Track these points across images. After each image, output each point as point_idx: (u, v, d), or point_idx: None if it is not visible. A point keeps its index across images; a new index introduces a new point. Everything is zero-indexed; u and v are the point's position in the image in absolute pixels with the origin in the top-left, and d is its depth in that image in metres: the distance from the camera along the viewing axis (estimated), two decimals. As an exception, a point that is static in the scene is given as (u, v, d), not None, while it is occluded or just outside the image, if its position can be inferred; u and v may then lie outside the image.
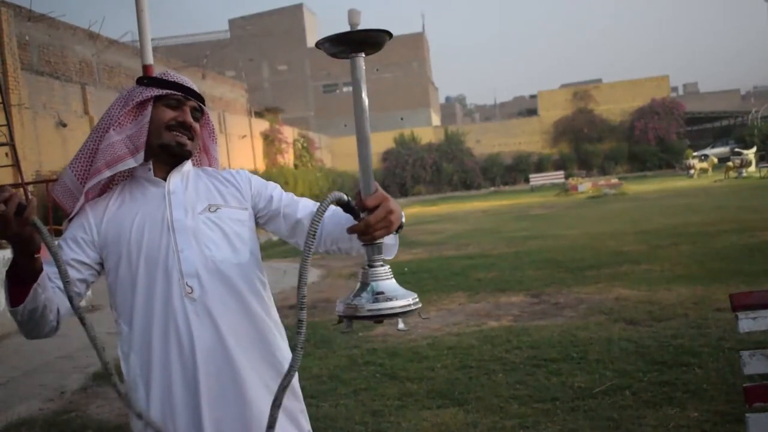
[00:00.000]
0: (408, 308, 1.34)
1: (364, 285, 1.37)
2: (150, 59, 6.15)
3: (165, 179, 1.71)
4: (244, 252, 1.67)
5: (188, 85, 1.73)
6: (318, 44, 1.38)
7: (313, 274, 10.91)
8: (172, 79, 1.70)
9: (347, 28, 1.36)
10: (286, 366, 1.45)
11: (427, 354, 5.39)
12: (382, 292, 1.34)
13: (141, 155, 1.66)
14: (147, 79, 1.71)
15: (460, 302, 7.47)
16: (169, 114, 1.68)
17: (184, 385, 1.59)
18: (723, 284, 6.86)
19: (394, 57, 48.86)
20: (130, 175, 1.75)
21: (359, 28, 1.32)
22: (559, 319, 6.27)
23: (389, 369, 5.05)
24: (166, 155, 1.70)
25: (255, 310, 1.69)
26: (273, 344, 1.73)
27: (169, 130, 1.68)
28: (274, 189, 1.78)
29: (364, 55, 1.36)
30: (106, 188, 1.74)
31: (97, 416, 4.69)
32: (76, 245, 1.66)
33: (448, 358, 5.22)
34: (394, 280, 1.38)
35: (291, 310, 7.97)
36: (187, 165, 1.76)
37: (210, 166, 1.87)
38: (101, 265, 1.68)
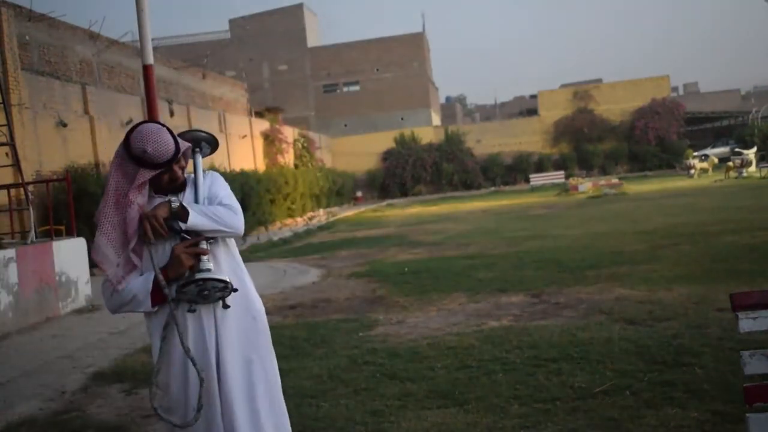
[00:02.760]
0: (212, 278, 2.28)
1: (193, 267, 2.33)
2: (150, 59, 6.16)
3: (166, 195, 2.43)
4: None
5: (169, 157, 2.29)
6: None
7: (313, 274, 10.92)
8: (156, 159, 2.27)
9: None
10: (250, 297, 2.50)
11: (427, 354, 5.39)
12: (202, 271, 2.31)
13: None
14: (139, 160, 2.28)
15: (460, 302, 7.47)
16: (164, 179, 2.36)
17: (197, 328, 2.37)
18: (723, 284, 6.86)
19: (394, 57, 48.86)
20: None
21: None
22: (559, 319, 6.27)
23: (389, 369, 5.05)
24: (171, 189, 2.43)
25: (235, 257, 2.51)
26: (246, 292, 2.49)
27: (171, 185, 2.39)
28: (221, 192, 2.48)
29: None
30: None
31: (97, 416, 4.69)
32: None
33: (448, 358, 5.22)
34: (212, 264, 2.34)
35: (291, 310, 7.98)
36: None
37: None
38: None
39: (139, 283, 2.34)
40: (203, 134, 2.49)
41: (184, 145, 2.38)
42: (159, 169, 2.30)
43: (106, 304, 2.44)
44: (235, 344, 2.40)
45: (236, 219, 2.42)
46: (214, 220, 2.36)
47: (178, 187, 2.43)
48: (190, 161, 2.54)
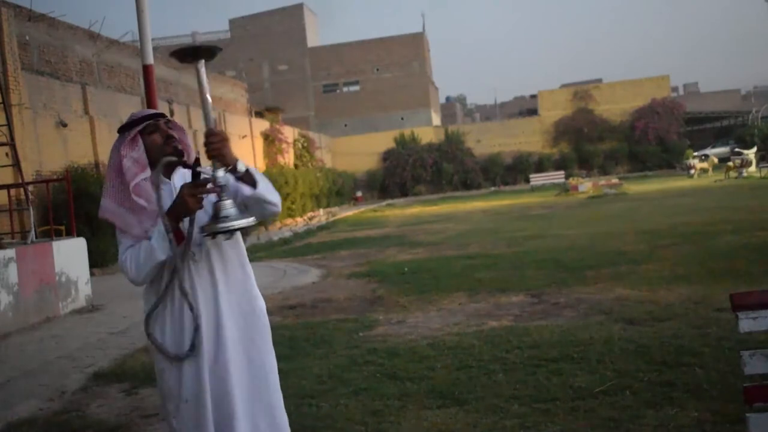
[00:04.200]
0: (244, 226, 2.25)
1: (216, 213, 2.24)
2: (150, 59, 6.16)
3: (170, 179, 2.42)
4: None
5: (153, 112, 2.45)
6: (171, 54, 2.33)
7: (313, 274, 10.92)
8: (139, 115, 2.43)
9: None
10: (251, 296, 2.49)
11: (427, 354, 5.39)
12: (227, 216, 2.23)
13: (148, 169, 2.37)
14: (126, 125, 2.43)
15: (460, 302, 7.47)
16: (156, 138, 2.41)
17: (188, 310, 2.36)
18: (723, 284, 6.85)
19: (394, 57, 48.89)
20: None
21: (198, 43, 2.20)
22: (559, 319, 6.26)
23: (389, 369, 5.05)
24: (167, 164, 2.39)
25: (239, 255, 2.50)
26: (248, 286, 2.51)
27: (166, 145, 2.40)
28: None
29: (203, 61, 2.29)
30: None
31: (97, 416, 4.69)
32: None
33: (448, 358, 5.21)
34: (235, 209, 2.25)
35: (291, 310, 7.98)
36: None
37: (188, 153, 2.51)
38: None
39: (153, 236, 2.34)
40: (204, 45, 2.30)
41: (177, 123, 2.53)
42: (146, 120, 2.40)
43: (131, 276, 2.38)
44: (237, 342, 2.39)
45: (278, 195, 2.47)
46: (270, 190, 2.36)
47: (179, 156, 2.43)
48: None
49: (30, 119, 13.56)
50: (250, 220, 2.27)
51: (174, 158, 2.34)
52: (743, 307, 2.26)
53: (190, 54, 2.27)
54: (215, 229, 2.22)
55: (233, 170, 2.28)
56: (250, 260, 2.63)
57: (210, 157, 2.25)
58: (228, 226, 2.21)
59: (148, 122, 2.41)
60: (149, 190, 2.35)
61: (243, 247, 2.55)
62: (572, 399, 4.08)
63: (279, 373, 2.56)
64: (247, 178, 2.31)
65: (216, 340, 2.36)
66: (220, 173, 2.24)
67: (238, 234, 2.46)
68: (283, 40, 48.80)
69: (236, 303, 2.43)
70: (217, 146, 2.23)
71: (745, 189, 20.31)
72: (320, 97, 49.46)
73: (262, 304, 2.53)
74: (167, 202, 2.32)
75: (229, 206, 2.23)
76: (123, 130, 2.44)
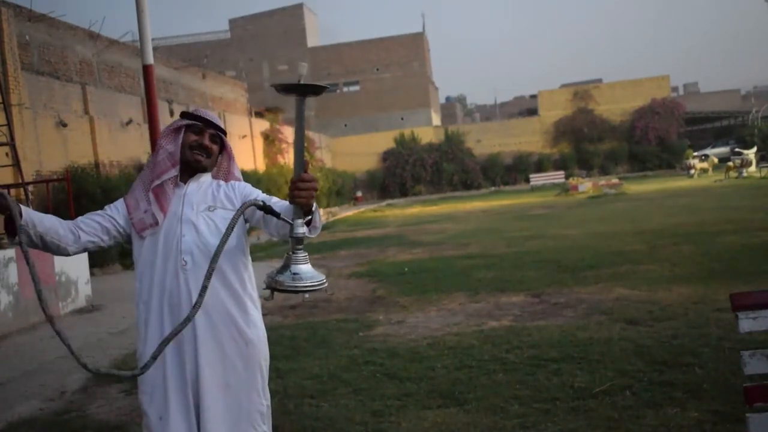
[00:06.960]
0: (315, 287, 1.89)
1: (286, 266, 1.90)
2: (150, 59, 6.17)
3: (186, 183, 2.37)
4: (230, 241, 2.17)
5: (209, 118, 2.39)
6: (273, 85, 1.96)
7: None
8: (197, 114, 2.41)
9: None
10: (241, 326, 2.29)
11: (427, 354, 5.39)
12: (297, 273, 1.89)
13: (178, 167, 2.35)
14: (184, 113, 2.43)
15: (460, 302, 7.47)
16: (191, 138, 2.37)
17: (171, 326, 2.24)
18: (723, 284, 6.86)
19: (394, 57, 48.86)
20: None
21: (303, 80, 1.91)
22: (559, 319, 6.26)
23: (389, 369, 5.05)
24: (189, 167, 2.38)
25: (232, 284, 2.30)
26: (236, 314, 2.32)
27: (191, 149, 2.36)
28: (254, 192, 2.37)
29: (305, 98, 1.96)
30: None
31: (97, 416, 4.69)
32: (117, 212, 2.37)
33: (448, 358, 5.21)
34: (309, 265, 1.90)
35: (291, 310, 7.98)
36: (205, 176, 2.42)
37: (227, 179, 2.47)
38: (128, 236, 2.36)
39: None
40: (315, 85, 2.04)
41: (229, 146, 2.50)
42: (197, 120, 2.38)
43: None
44: (218, 370, 2.27)
45: None
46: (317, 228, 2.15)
47: (199, 167, 2.40)
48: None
49: (30, 119, 13.55)
50: (323, 281, 1.93)
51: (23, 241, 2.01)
52: (743, 307, 2.26)
53: (295, 90, 1.99)
54: (282, 286, 1.91)
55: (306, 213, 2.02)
56: (251, 260, 2.58)
57: (293, 203, 1.95)
58: (296, 287, 1.89)
59: (197, 123, 2.39)
60: (168, 196, 2.34)
61: (251, 268, 2.43)
62: (572, 399, 4.08)
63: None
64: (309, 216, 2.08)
65: (196, 371, 2.28)
66: (299, 223, 1.94)
67: (248, 252, 2.40)
68: (283, 40, 48.76)
69: (226, 335, 2.31)
70: (307, 195, 1.94)
71: (745, 189, 20.30)
72: (320, 97, 49.36)
73: (259, 333, 2.39)
74: (177, 200, 2.35)
75: (302, 260, 1.91)
76: (183, 115, 2.43)
